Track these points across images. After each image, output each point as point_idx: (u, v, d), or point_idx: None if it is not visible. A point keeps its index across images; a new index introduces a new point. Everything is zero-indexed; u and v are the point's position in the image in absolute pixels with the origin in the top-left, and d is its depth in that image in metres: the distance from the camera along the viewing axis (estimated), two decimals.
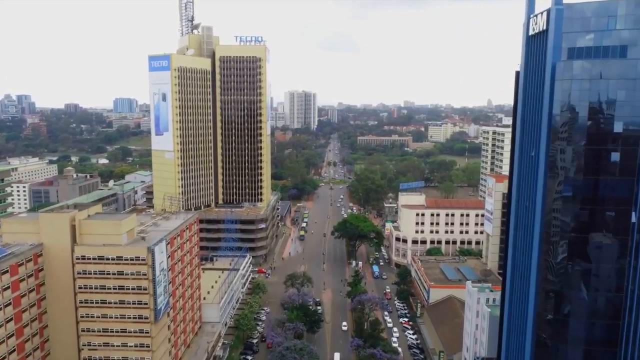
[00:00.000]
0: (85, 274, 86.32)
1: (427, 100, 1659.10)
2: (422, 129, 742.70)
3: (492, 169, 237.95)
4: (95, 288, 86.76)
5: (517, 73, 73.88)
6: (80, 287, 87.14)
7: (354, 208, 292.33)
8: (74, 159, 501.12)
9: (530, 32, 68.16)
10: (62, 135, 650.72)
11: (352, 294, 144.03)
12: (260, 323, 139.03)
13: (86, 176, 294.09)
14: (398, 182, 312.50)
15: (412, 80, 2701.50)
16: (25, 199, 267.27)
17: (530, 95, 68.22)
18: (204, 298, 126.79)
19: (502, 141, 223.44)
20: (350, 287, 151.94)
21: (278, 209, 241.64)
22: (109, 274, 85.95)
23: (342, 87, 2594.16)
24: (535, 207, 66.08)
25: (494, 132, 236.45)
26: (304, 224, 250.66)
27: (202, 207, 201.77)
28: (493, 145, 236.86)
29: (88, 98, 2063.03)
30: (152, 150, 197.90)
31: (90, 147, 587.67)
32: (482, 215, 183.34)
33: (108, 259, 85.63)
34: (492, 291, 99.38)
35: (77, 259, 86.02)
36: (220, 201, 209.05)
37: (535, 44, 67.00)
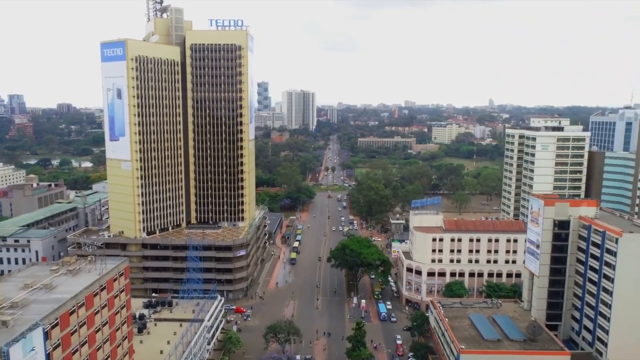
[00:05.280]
0: None
1: (427, 100, 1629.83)
2: (425, 130, 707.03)
3: (518, 180, 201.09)
4: None
5: None
6: None
7: (355, 221, 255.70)
8: (54, 162, 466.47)
9: None
10: (48, 136, 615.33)
11: (354, 357, 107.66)
12: None
13: (50, 185, 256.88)
14: (405, 192, 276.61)
15: (413, 80, 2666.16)
16: None
17: None
18: None
19: (534, 147, 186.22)
20: (350, 342, 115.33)
21: (265, 226, 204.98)
22: None
23: (342, 87, 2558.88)
24: None
25: (521, 136, 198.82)
26: (296, 243, 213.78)
27: (170, 228, 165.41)
28: (520, 151, 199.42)
29: (82, 98, 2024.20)
30: (107, 159, 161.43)
31: (75, 149, 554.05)
32: (515, 241, 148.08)
33: None
34: None
35: None
36: (194, 220, 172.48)
37: None
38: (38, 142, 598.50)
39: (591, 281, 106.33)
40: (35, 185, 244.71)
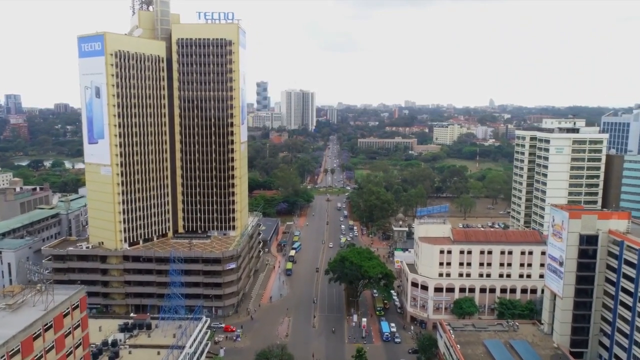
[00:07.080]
0: None
1: (428, 100, 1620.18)
2: (426, 130, 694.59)
3: (529, 185, 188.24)
4: None
5: None
6: None
7: (355, 227, 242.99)
8: (47, 163, 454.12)
9: None
10: (42, 136, 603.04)
11: None
12: None
13: (34, 188, 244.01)
14: (407, 196, 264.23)
15: (413, 80, 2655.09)
16: None
17: None
18: None
19: (547, 150, 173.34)
20: None
21: (260, 233, 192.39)
22: None
23: (342, 87, 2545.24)
24: None
25: (533, 138, 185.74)
26: (292, 252, 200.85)
27: (155, 239, 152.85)
28: (531, 154, 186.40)
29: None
30: (85, 163, 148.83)
31: (70, 150, 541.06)
32: (530, 253, 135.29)
33: None
34: None
35: None
36: (181, 230, 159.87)
37: None
38: (32, 143, 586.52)
39: (623, 304, 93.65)
40: (18, 189, 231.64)
